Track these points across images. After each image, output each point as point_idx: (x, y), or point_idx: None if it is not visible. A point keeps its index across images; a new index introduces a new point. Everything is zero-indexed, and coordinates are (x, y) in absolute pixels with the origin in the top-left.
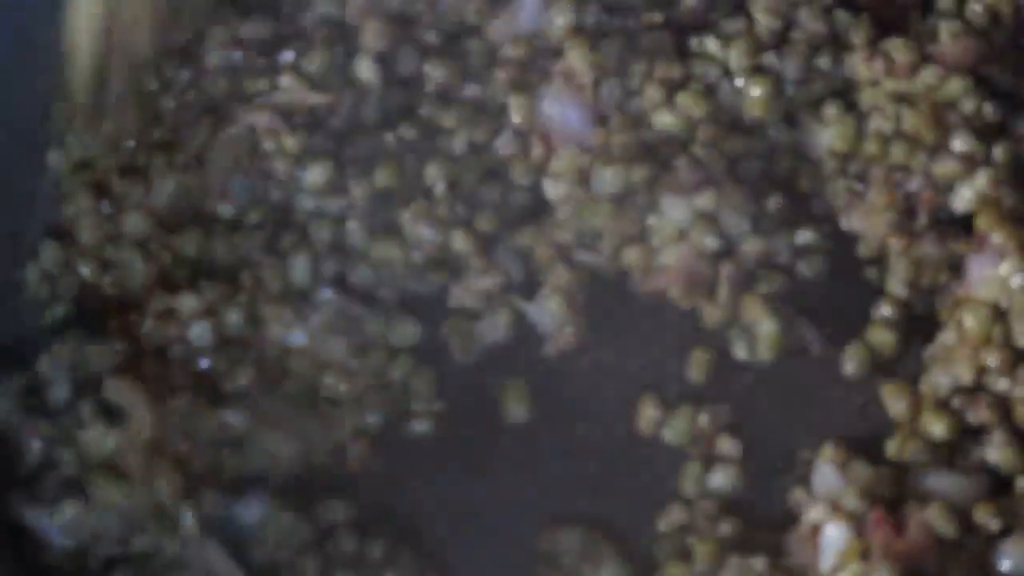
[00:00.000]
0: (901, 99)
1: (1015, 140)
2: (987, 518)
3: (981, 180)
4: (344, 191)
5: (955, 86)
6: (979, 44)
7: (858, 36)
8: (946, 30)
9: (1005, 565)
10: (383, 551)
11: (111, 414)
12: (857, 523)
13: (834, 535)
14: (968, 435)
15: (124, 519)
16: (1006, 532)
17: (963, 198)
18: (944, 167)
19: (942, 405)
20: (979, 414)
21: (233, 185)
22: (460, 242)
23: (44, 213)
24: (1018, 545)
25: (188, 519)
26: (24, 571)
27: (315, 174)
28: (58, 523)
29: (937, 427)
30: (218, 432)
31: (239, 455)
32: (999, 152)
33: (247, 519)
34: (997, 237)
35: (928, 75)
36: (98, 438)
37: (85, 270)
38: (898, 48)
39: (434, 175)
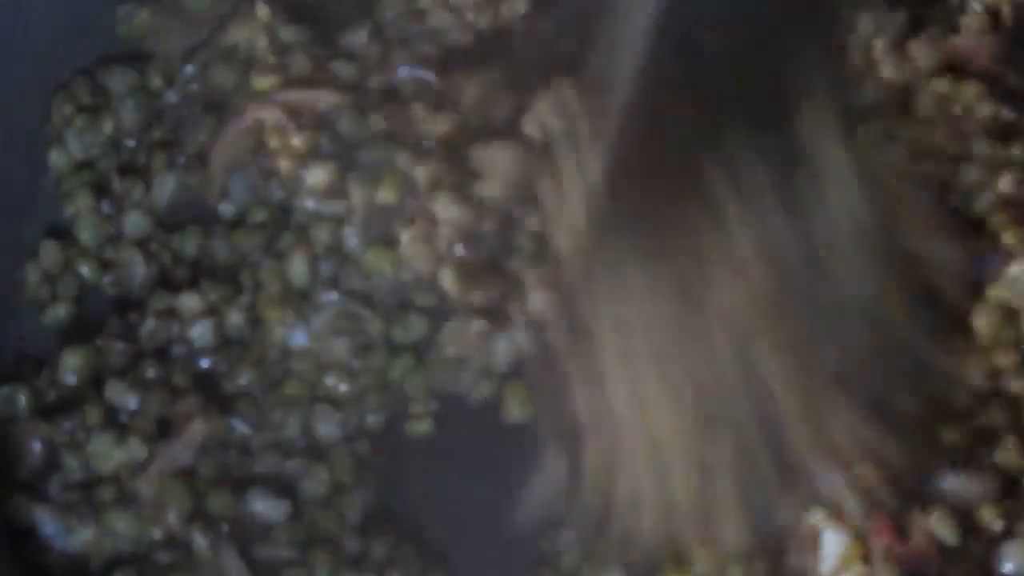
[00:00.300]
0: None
1: None
2: (992, 519)
3: (999, 182)
4: (344, 196)
5: (970, 92)
6: (992, 43)
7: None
8: (965, 27)
9: (1007, 568)
10: (386, 551)
11: (115, 418)
12: (858, 527)
13: (834, 539)
14: (979, 438)
15: (137, 543)
16: (1008, 534)
17: (980, 201)
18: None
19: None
20: (991, 416)
21: (234, 184)
22: (448, 281)
23: (44, 213)
24: (1021, 547)
25: (201, 542)
26: (24, 571)
27: (316, 176)
28: (72, 546)
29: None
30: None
31: (246, 457)
32: (1017, 152)
33: (255, 519)
34: (1009, 237)
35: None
36: (105, 451)
37: (85, 270)
38: (919, 48)
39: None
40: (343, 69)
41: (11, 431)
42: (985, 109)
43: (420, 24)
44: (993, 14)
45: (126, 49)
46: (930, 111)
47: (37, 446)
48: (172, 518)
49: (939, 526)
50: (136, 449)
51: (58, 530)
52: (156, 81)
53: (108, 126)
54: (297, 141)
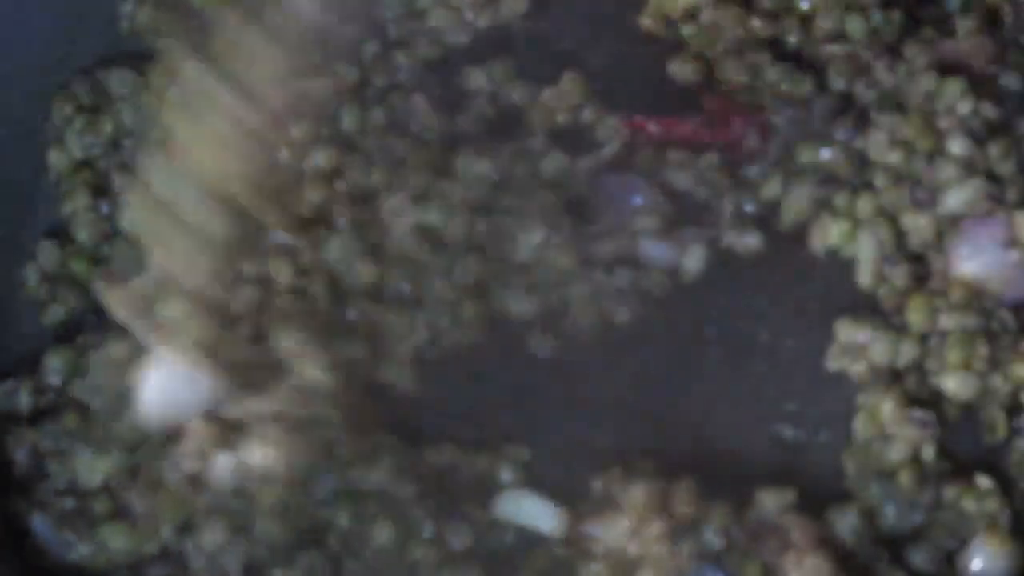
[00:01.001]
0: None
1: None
2: None
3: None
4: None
5: (952, 88)
6: (988, 43)
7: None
8: (962, 28)
9: (975, 565)
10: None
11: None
12: None
13: None
14: None
15: (133, 555)
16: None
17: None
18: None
19: None
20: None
21: None
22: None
23: (44, 213)
24: (987, 545)
25: (195, 553)
26: (25, 570)
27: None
28: (69, 558)
29: None
30: None
31: None
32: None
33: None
34: None
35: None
36: (89, 464)
37: (83, 270)
38: (911, 50)
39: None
40: (344, 68)
41: (9, 429)
42: (966, 107)
43: (420, 24)
44: (992, 14)
45: (126, 49)
46: (916, 106)
47: (22, 452)
48: (165, 530)
49: None
50: (119, 458)
51: (53, 538)
52: (156, 81)
53: (108, 126)
54: (296, 134)
